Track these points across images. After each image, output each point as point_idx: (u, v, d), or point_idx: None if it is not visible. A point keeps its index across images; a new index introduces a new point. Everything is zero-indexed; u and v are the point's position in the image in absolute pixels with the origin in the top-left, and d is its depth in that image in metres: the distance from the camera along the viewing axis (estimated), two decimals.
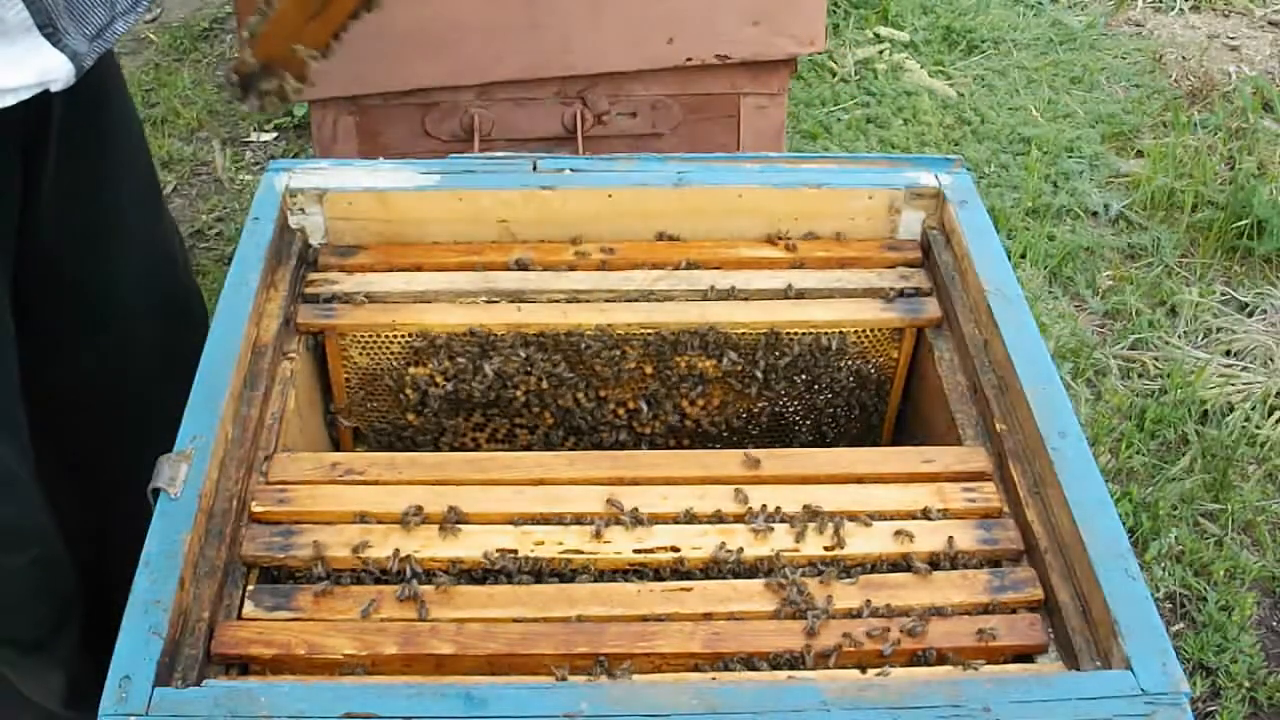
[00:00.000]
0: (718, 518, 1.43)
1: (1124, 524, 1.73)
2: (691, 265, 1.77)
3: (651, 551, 1.39)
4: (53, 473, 1.71)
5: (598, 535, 1.40)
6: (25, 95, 1.34)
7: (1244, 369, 2.98)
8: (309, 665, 1.26)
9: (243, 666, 1.28)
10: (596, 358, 1.72)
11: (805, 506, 1.43)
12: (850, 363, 1.77)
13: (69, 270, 1.68)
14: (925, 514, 1.44)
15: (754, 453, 1.50)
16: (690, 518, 1.43)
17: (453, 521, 1.41)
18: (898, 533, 1.41)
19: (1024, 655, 1.31)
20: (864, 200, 1.80)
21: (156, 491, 1.33)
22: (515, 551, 1.38)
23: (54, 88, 1.36)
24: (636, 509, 1.42)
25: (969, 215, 1.75)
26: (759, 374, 1.75)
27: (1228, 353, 3.05)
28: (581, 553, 1.39)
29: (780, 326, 1.72)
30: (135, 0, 1.47)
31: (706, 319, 1.70)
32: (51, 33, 1.32)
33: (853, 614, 1.32)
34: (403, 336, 1.71)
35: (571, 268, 1.76)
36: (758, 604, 1.33)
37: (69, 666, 1.76)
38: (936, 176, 1.81)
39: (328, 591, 1.33)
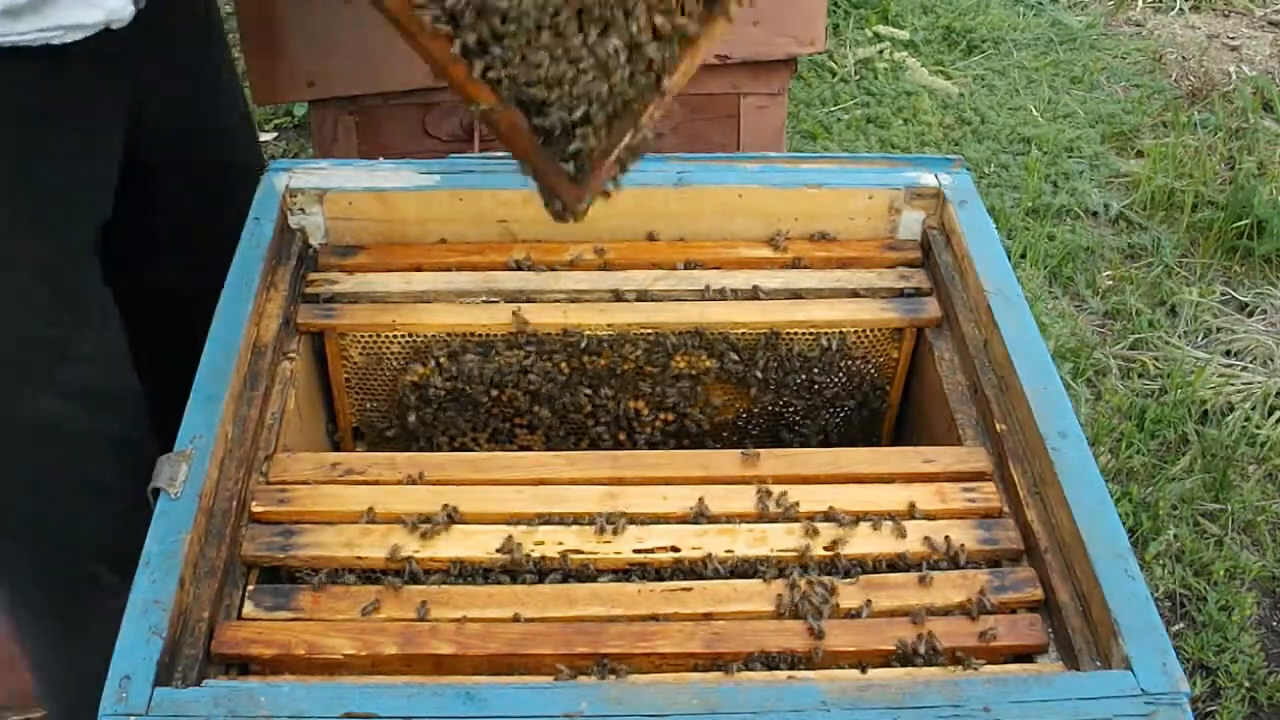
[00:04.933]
0: (718, 517, 1.43)
1: (1124, 524, 1.73)
2: (691, 265, 1.77)
3: (651, 551, 1.39)
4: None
5: (599, 535, 1.40)
6: (91, 33, 1.49)
7: (1244, 369, 2.98)
8: (309, 665, 1.26)
9: (243, 666, 1.28)
10: (596, 358, 1.72)
11: (805, 506, 1.43)
12: (850, 363, 1.77)
13: (163, 190, 1.80)
14: (925, 514, 1.44)
15: (753, 452, 1.50)
16: (690, 517, 1.43)
17: (453, 521, 1.41)
18: (898, 533, 1.41)
19: (1024, 655, 1.31)
20: (864, 200, 1.80)
21: (156, 491, 1.33)
22: (515, 551, 1.38)
23: (114, 26, 1.51)
24: (632, 512, 1.42)
25: (969, 215, 1.75)
26: (759, 374, 1.75)
27: (1228, 353, 3.05)
28: (581, 552, 1.39)
29: (780, 326, 1.72)
30: None
31: (706, 319, 1.70)
32: None
33: (853, 614, 1.32)
34: (403, 336, 1.71)
35: (571, 268, 1.76)
36: (758, 604, 1.33)
37: None
38: (936, 176, 1.80)
39: (328, 591, 1.33)
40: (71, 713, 1.88)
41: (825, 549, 1.39)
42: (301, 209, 1.75)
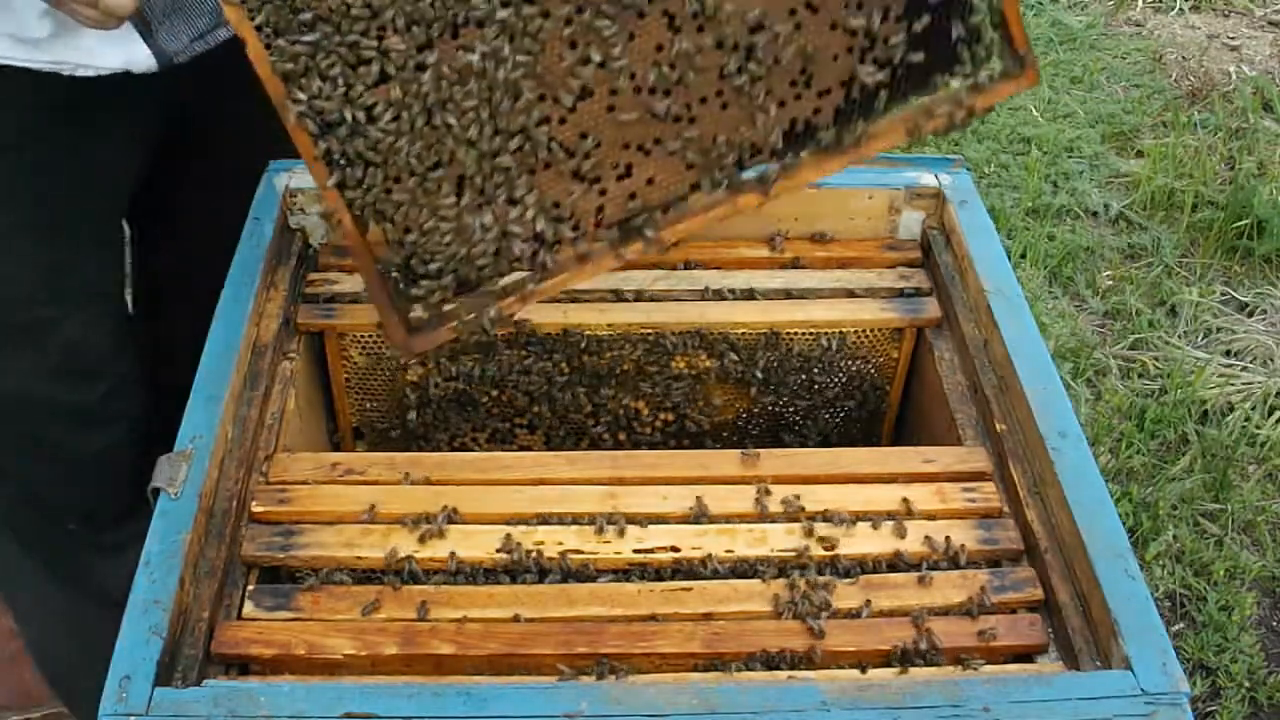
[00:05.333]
0: (717, 517, 1.43)
1: (1124, 524, 1.73)
2: (691, 265, 1.77)
3: (651, 551, 1.39)
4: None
5: (599, 535, 1.40)
6: (106, 73, 1.52)
7: (1244, 369, 2.98)
8: (309, 665, 1.26)
9: (243, 666, 1.28)
10: (596, 357, 1.72)
11: (805, 506, 1.43)
12: (850, 363, 1.77)
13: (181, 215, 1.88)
14: (925, 514, 1.44)
15: (753, 452, 1.50)
16: (690, 517, 1.42)
17: (453, 521, 1.41)
18: (898, 533, 1.41)
19: (1024, 655, 1.31)
20: (864, 200, 1.80)
21: (156, 491, 1.33)
22: (515, 551, 1.38)
23: (135, 70, 1.54)
24: (632, 512, 1.42)
25: (969, 215, 1.75)
26: (759, 374, 1.75)
27: (1228, 353, 3.05)
28: (581, 552, 1.39)
29: (780, 326, 1.72)
30: None
31: (706, 319, 1.70)
32: (144, 30, 1.52)
33: (853, 614, 1.32)
34: None
35: None
36: (758, 604, 1.33)
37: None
38: (936, 176, 1.81)
39: (328, 591, 1.33)
40: (74, 671, 2.02)
41: (825, 549, 1.39)
42: (301, 209, 1.75)
